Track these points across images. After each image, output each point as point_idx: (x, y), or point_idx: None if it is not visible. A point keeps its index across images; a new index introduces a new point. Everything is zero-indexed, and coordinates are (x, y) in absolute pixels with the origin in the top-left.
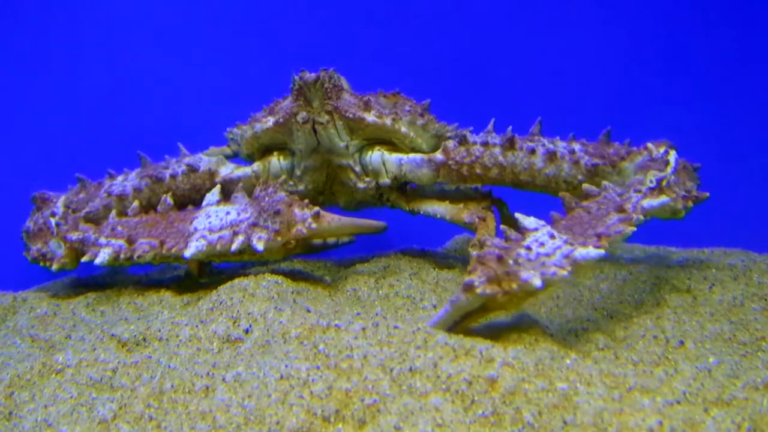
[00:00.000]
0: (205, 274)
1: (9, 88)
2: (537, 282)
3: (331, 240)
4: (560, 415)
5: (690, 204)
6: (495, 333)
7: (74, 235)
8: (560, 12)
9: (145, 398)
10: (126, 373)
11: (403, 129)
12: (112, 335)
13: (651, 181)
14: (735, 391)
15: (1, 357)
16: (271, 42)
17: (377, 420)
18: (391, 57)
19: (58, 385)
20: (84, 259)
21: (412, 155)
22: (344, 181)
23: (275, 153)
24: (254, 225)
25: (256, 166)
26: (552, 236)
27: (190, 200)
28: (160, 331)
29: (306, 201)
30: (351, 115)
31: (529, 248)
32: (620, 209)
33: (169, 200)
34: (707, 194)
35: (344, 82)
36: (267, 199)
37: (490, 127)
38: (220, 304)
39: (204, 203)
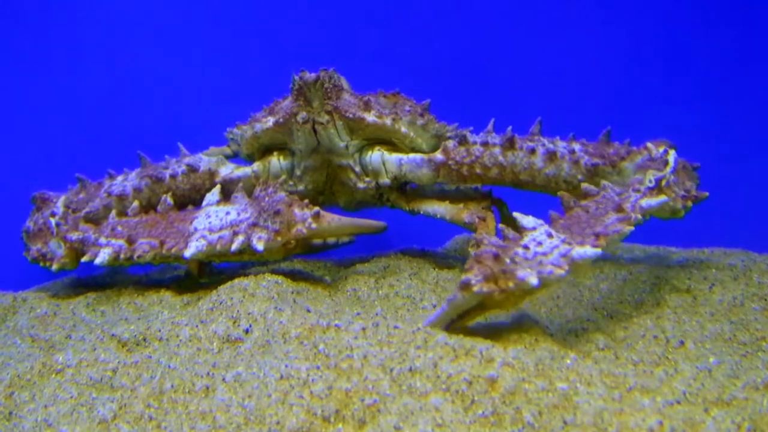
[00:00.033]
0: (205, 274)
1: (9, 88)
2: (533, 281)
3: (331, 240)
4: (560, 415)
5: (689, 203)
6: (495, 333)
7: (74, 235)
8: (560, 12)
9: (145, 398)
10: (126, 373)
11: (403, 129)
12: (112, 335)
13: (650, 181)
14: (735, 391)
15: (1, 357)
16: (271, 42)
17: (377, 420)
18: (391, 57)
19: (58, 385)
20: (84, 259)
21: (412, 155)
22: (344, 181)
23: (275, 153)
24: (254, 225)
25: (256, 166)
26: (550, 235)
27: (190, 200)
28: (160, 331)
29: (306, 201)
30: (351, 115)
31: (526, 247)
32: (619, 209)
33: (169, 200)
34: (707, 194)
35: (344, 82)
36: (267, 199)
37: (490, 127)
38: (220, 304)
39: (204, 203)
